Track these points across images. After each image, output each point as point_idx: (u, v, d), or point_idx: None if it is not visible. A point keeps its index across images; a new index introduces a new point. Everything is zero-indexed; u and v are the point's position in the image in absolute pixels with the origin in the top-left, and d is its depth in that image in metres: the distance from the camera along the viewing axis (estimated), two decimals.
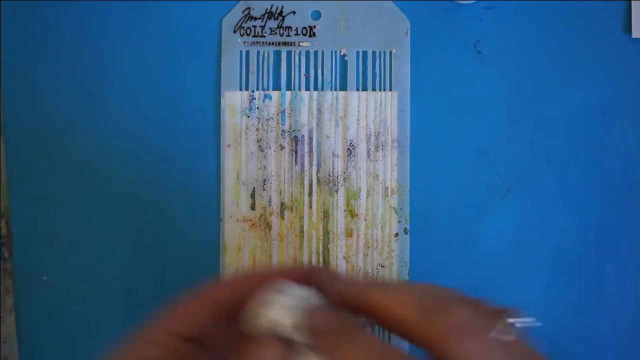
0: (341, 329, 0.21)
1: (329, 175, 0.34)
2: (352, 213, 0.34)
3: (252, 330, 0.21)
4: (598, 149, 0.34)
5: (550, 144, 0.34)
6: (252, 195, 0.34)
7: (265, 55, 0.34)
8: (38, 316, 0.34)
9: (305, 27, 0.34)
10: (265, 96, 0.34)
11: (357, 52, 0.34)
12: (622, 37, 0.34)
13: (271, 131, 0.34)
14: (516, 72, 0.34)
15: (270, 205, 0.33)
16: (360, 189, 0.34)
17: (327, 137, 0.34)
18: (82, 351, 0.34)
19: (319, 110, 0.34)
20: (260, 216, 0.33)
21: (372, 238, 0.33)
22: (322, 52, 0.34)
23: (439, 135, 0.34)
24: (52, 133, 0.34)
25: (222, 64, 0.34)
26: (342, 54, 0.34)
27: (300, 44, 0.34)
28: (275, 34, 0.34)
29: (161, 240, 0.34)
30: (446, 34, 0.34)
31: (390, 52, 0.34)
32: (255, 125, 0.34)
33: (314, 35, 0.34)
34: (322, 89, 0.34)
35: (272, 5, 0.34)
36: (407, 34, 0.34)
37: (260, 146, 0.34)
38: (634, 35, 0.34)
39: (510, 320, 0.20)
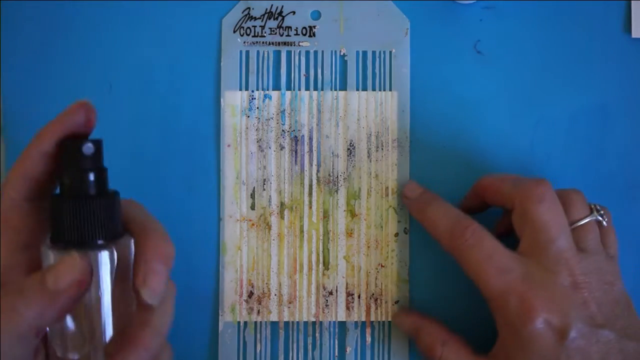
0: (427, 197, 0.32)
1: (329, 175, 0.34)
2: (352, 213, 0.34)
3: None
4: (598, 149, 0.34)
5: (550, 144, 0.34)
6: (252, 195, 0.34)
7: (265, 55, 0.34)
8: None
9: (305, 27, 0.34)
10: (265, 96, 0.34)
11: (357, 52, 0.34)
12: (622, 37, 0.34)
13: (271, 131, 0.34)
14: (516, 72, 0.34)
15: (270, 205, 0.33)
16: (360, 189, 0.34)
17: (327, 137, 0.34)
18: None
19: (319, 110, 0.34)
20: (260, 216, 0.33)
21: (372, 238, 0.33)
22: (322, 52, 0.34)
23: (439, 135, 0.34)
24: None
25: (222, 63, 0.34)
26: (342, 54, 0.34)
27: (300, 44, 0.34)
28: (275, 34, 0.34)
29: None
30: (446, 34, 0.34)
31: (390, 52, 0.34)
32: (255, 125, 0.34)
33: (314, 35, 0.34)
34: (322, 89, 0.34)
35: (272, 5, 0.34)
36: (407, 34, 0.34)
37: (260, 146, 0.34)
38: (634, 35, 0.34)
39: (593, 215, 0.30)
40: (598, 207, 0.30)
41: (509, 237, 0.30)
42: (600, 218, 0.30)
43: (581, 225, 0.29)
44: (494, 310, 0.29)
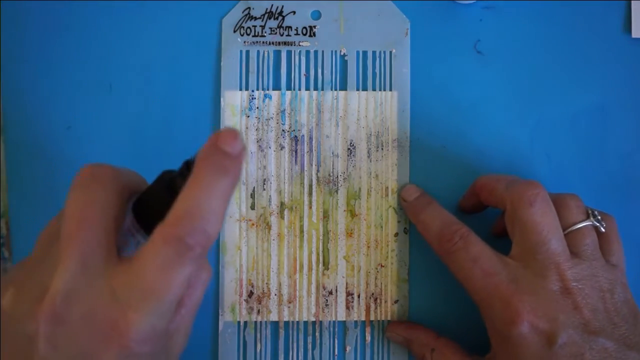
0: (422, 201, 0.32)
1: (329, 175, 0.34)
2: (352, 213, 0.34)
3: None
4: (598, 149, 0.34)
5: (550, 144, 0.34)
6: (252, 195, 0.34)
7: (265, 55, 0.34)
8: None
9: (305, 27, 0.34)
10: (265, 96, 0.34)
11: (357, 52, 0.34)
12: (622, 37, 0.34)
13: (271, 131, 0.34)
14: (516, 72, 0.34)
15: (270, 205, 0.34)
16: (360, 189, 0.34)
17: (327, 137, 0.34)
18: None
19: (319, 110, 0.34)
20: (260, 216, 0.33)
21: (372, 238, 0.34)
22: (322, 52, 0.34)
23: (439, 135, 0.34)
24: (52, 133, 0.34)
25: (222, 63, 0.34)
26: (342, 54, 0.34)
27: (300, 43, 0.34)
28: (275, 33, 0.34)
29: None
30: (446, 34, 0.34)
31: (390, 52, 0.34)
32: (255, 125, 0.34)
33: (314, 35, 0.34)
34: (322, 89, 0.34)
35: (272, 5, 0.34)
36: (407, 34, 0.34)
37: (260, 146, 0.34)
38: (634, 35, 0.34)
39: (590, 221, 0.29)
40: (596, 213, 0.29)
41: (507, 238, 0.30)
42: (597, 223, 0.29)
43: (576, 230, 0.29)
44: (482, 314, 0.29)
